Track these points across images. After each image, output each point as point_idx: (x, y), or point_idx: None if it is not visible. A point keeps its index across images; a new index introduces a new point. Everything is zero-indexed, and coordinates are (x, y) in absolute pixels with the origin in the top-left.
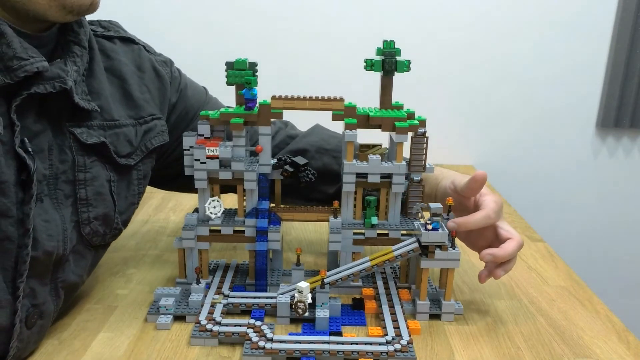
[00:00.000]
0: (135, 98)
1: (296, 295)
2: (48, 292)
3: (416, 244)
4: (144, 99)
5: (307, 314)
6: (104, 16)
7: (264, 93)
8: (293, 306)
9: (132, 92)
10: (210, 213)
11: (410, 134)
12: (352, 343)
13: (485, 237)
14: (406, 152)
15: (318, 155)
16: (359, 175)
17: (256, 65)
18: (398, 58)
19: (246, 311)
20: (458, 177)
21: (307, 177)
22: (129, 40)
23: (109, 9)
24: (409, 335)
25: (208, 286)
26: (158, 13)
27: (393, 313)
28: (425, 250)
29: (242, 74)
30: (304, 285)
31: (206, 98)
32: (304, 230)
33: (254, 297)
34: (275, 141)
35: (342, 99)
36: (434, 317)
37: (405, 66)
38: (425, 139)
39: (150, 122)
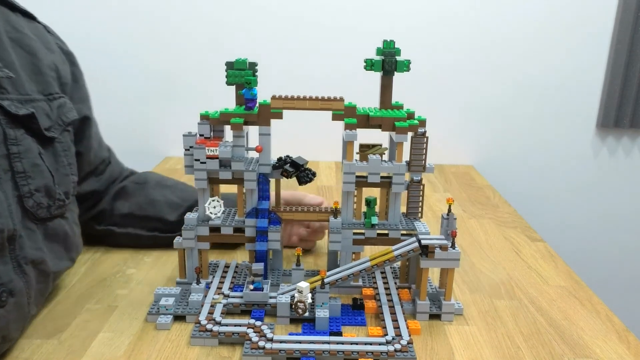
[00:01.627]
0: (44, 74)
1: (296, 295)
2: (12, 270)
3: (416, 244)
4: (51, 77)
5: (307, 314)
6: (105, 15)
7: (264, 93)
8: (293, 306)
9: (41, 67)
10: (210, 213)
11: (410, 134)
12: (352, 343)
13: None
14: (406, 152)
15: (159, 188)
16: (359, 175)
17: (256, 65)
18: (398, 58)
19: (246, 311)
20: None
21: (307, 178)
22: (30, 16)
23: (109, 5)
24: (409, 335)
25: (208, 286)
26: (158, 12)
27: (393, 313)
28: (425, 250)
29: (242, 74)
30: (304, 285)
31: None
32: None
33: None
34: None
35: (342, 99)
36: (434, 317)
37: (405, 66)
38: (425, 139)
39: (59, 99)
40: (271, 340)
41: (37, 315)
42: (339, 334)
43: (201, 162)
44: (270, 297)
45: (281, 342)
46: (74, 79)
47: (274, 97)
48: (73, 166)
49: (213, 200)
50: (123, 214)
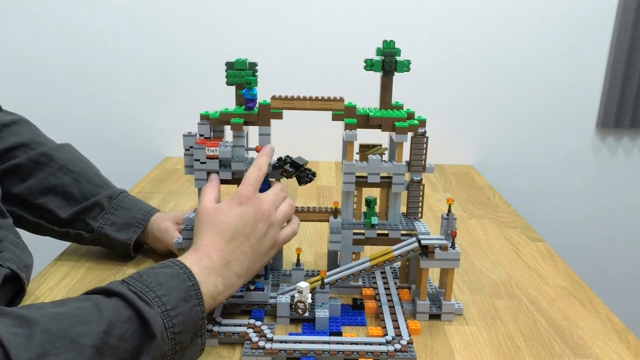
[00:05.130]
0: None
1: (296, 295)
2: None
3: (416, 244)
4: None
5: (307, 314)
6: (105, 15)
7: (264, 93)
8: (293, 306)
9: None
10: None
11: (410, 134)
12: (352, 343)
13: None
14: (406, 152)
15: (60, 173)
16: (359, 175)
17: (256, 65)
18: (398, 58)
19: (246, 311)
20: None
21: (307, 178)
22: None
23: (109, 5)
24: (409, 335)
25: None
26: (158, 12)
27: (393, 313)
28: (425, 250)
29: (242, 74)
30: (304, 285)
31: None
32: (304, 230)
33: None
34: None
35: (342, 99)
36: (434, 317)
37: (405, 66)
38: (425, 139)
39: None
40: (271, 340)
41: None
42: (339, 334)
43: (201, 162)
44: (270, 297)
45: (281, 342)
46: None
47: (274, 97)
48: None
49: None
50: (12, 193)
